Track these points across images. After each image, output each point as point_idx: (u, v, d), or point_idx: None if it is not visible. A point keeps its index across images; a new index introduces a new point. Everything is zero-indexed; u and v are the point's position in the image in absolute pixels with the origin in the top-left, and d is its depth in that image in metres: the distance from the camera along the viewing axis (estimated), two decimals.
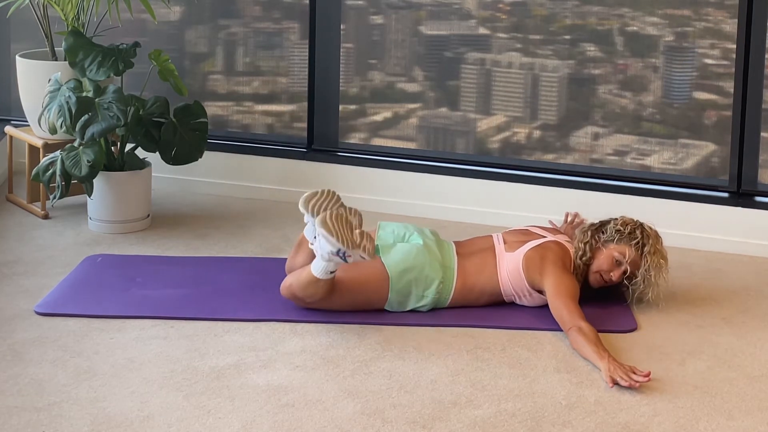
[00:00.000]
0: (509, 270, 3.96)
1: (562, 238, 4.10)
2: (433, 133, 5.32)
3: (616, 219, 4.07)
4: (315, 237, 3.81)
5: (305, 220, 3.90)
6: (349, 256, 3.72)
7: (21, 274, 4.27)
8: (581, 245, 4.01)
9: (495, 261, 4.00)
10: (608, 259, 3.98)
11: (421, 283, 3.92)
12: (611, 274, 3.99)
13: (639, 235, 3.99)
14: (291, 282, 3.89)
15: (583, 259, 4.00)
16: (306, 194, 3.88)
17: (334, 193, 3.90)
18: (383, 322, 3.88)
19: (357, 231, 3.76)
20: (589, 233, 4.03)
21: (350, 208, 3.88)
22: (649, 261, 3.96)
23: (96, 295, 4.04)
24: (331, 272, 3.80)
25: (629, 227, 4.01)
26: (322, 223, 3.72)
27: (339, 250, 3.70)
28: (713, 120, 4.91)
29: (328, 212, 3.75)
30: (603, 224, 4.07)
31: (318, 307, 3.90)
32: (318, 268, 3.79)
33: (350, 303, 3.91)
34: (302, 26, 5.35)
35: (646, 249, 3.97)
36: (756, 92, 4.73)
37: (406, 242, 4.01)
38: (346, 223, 3.74)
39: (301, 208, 3.87)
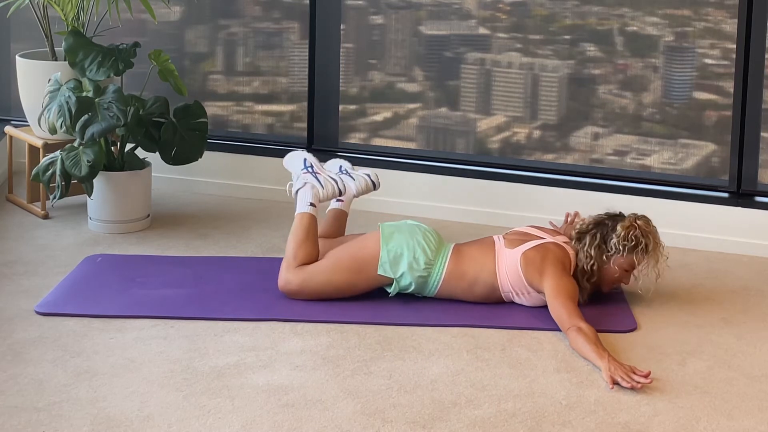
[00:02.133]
0: (508, 266, 3.96)
1: (561, 240, 4.09)
2: (433, 133, 5.32)
3: (616, 228, 3.99)
4: (292, 188, 4.24)
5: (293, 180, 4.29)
6: (316, 168, 4.25)
7: (21, 274, 4.26)
8: (588, 267, 3.97)
9: (493, 254, 4.00)
10: (620, 272, 4.00)
11: (412, 244, 3.96)
12: (623, 281, 4.03)
13: (642, 240, 3.96)
14: (284, 258, 4.06)
15: (592, 281, 4.00)
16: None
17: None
18: (383, 322, 3.88)
19: None
20: (593, 251, 3.98)
21: None
22: (653, 257, 3.99)
23: (96, 295, 4.04)
24: (311, 203, 4.13)
25: (632, 238, 3.96)
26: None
27: (305, 160, 4.26)
28: (713, 120, 4.91)
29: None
30: (603, 236, 4.01)
31: (315, 290, 3.96)
32: (300, 201, 4.16)
33: (343, 267, 3.97)
34: (302, 26, 5.35)
35: (649, 248, 3.98)
36: (756, 92, 4.73)
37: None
38: None
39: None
